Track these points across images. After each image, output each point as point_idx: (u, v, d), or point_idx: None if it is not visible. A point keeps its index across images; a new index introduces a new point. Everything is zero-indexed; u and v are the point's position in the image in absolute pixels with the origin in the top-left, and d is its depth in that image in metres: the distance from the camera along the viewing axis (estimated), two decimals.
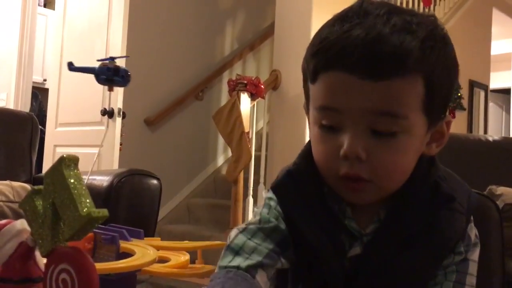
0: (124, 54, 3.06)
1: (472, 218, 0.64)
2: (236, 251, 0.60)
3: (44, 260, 0.53)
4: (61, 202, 0.49)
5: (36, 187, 0.52)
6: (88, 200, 0.48)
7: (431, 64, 0.56)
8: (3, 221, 0.53)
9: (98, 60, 2.51)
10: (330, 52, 0.56)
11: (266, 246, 0.61)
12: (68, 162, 0.50)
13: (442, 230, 0.61)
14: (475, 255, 0.64)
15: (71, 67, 2.37)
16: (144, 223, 1.88)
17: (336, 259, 0.61)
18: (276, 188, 0.65)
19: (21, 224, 0.52)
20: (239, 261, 0.59)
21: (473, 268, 0.63)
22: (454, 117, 5.29)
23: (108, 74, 2.16)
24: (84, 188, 0.49)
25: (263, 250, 0.60)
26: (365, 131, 0.57)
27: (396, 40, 0.54)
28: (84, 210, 0.47)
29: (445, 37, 0.60)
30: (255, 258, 0.59)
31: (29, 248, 0.52)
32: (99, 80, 2.27)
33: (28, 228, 0.52)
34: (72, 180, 0.49)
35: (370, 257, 0.61)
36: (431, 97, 0.57)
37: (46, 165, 3.37)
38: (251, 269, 0.58)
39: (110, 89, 2.38)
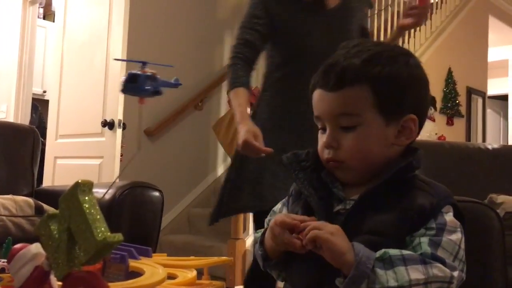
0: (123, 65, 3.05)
1: (450, 208, 0.78)
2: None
3: (59, 283, 0.54)
4: (77, 227, 0.50)
5: (51, 212, 0.53)
6: (103, 225, 0.49)
7: (374, 76, 0.78)
8: (18, 245, 0.54)
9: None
10: (315, 77, 0.83)
11: None
12: (83, 187, 0.51)
13: (410, 200, 0.77)
14: (452, 237, 0.76)
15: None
16: (147, 235, 1.88)
17: (323, 210, 0.82)
18: (284, 157, 0.89)
19: (36, 248, 0.53)
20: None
21: (448, 245, 0.75)
22: (452, 124, 5.32)
23: (153, 84, 1.59)
24: (99, 213, 0.50)
25: None
26: (335, 128, 0.81)
27: (345, 63, 0.79)
28: (100, 235, 0.48)
29: (394, 56, 0.80)
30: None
31: (44, 272, 0.53)
32: (144, 92, 1.56)
33: (43, 252, 0.53)
34: (87, 205, 0.50)
35: (351, 214, 0.79)
36: (381, 99, 0.78)
37: (47, 177, 3.36)
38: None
39: (142, 102, 1.59)
